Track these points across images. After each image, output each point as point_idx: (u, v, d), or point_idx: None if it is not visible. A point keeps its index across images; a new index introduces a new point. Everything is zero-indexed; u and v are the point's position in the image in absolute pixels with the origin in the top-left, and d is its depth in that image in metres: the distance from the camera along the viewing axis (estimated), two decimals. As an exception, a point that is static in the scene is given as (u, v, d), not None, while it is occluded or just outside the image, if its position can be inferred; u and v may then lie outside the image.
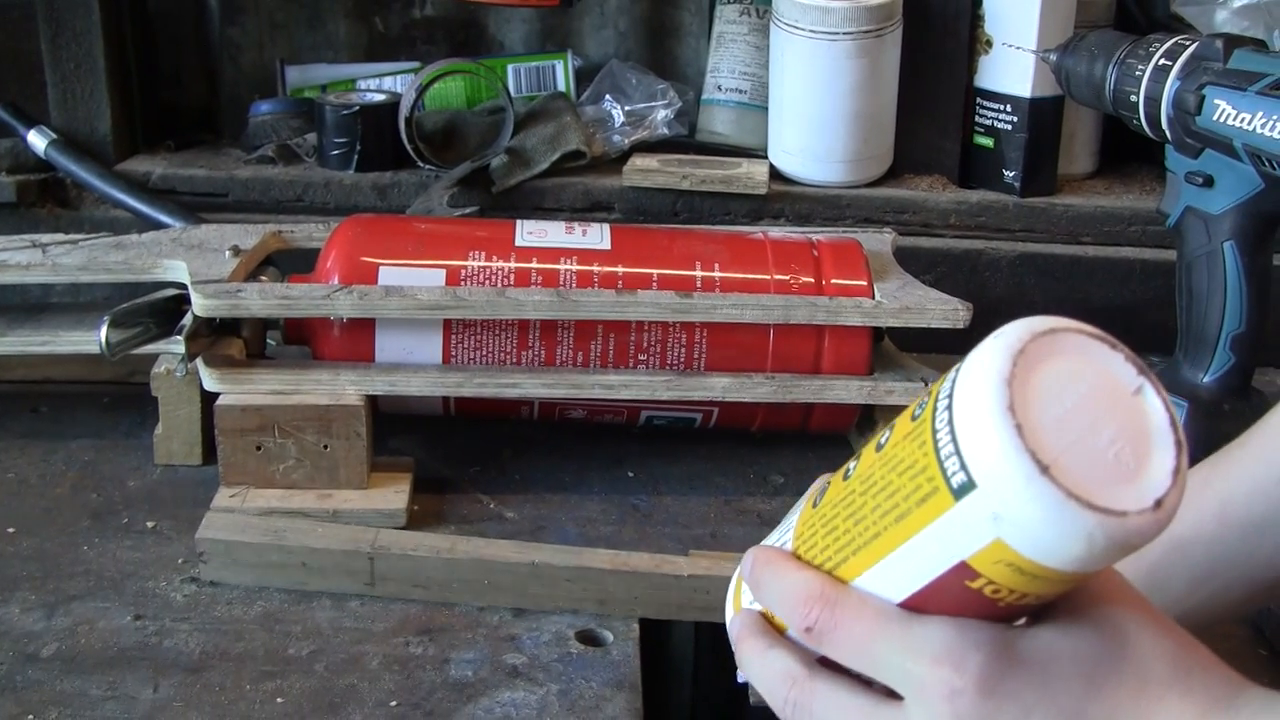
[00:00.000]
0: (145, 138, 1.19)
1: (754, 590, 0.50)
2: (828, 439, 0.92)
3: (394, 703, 0.66)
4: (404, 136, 1.10)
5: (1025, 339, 0.43)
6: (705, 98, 1.21)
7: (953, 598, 0.44)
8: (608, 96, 1.19)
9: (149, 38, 1.22)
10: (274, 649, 0.70)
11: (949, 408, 0.42)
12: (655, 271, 0.86)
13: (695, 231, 0.96)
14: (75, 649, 0.69)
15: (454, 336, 0.84)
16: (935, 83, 1.14)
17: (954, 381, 0.43)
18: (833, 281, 0.87)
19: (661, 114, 1.16)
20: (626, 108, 1.17)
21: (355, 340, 0.84)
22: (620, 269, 0.86)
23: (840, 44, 1.07)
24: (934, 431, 0.43)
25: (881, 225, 1.08)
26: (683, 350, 0.85)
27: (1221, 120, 0.76)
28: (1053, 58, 0.89)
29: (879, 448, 0.46)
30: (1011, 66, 1.10)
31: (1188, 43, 0.80)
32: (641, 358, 0.85)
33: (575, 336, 0.84)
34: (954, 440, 0.41)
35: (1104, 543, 0.40)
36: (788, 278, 0.86)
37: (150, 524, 0.81)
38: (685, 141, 1.18)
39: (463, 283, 0.84)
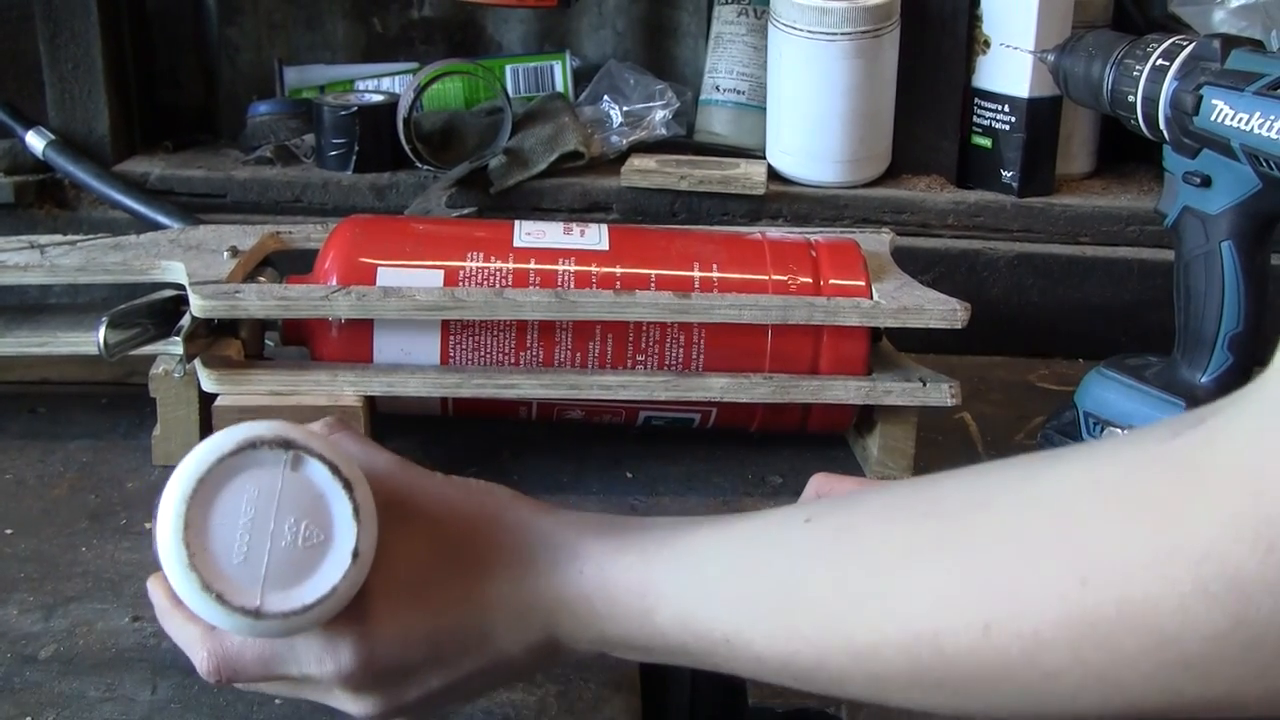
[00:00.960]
0: (143, 138, 1.19)
1: (165, 624, 0.58)
2: (826, 439, 0.92)
3: (392, 704, 0.66)
4: (402, 137, 1.10)
5: (187, 501, 0.49)
6: (703, 98, 1.21)
7: None
8: (606, 97, 1.19)
9: (147, 38, 1.22)
10: (272, 650, 0.70)
11: (158, 555, 0.51)
12: (653, 272, 0.86)
13: (693, 232, 0.96)
14: (73, 650, 0.69)
15: (452, 337, 0.84)
16: (933, 83, 1.14)
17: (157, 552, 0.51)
18: (831, 282, 0.87)
19: (659, 114, 1.16)
20: (624, 108, 1.17)
21: (353, 341, 0.84)
22: (618, 269, 0.86)
23: (838, 44, 1.07)
24: None
25: (879, 225, 1.08)
26: (681, 351, 0.85)
27: (1219, 120, 0.76)
28: (1050, 58, 0.89)
29: None
30: (1009, 67, 1.10)
31: (1185, 43, 0.80)
32: (639, 358, 0.85)
33: (573, 337, 0.84)
34: (165, 574, 0.51)
35: (333, 603, 0.50)
36: (786, 278, 0.86)
37: (149, 525, 0.81)
38: (683, 142, 1.18)
39: (461, 283, 0.84)
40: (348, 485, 0.49)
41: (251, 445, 0.49)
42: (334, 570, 0.49)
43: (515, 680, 0.58)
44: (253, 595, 0.48)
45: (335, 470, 0.49)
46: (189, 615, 0.54)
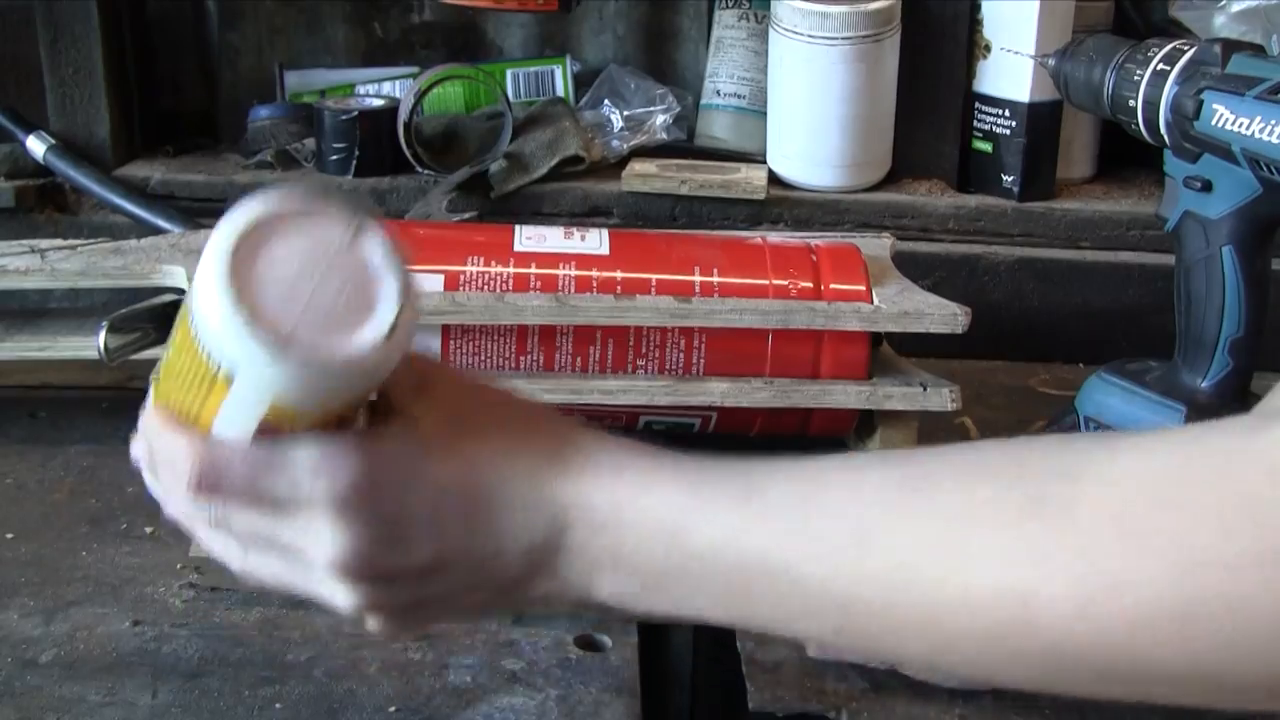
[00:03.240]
0: (144, 143, 1.19)
1: (148, 470, 0.55)
2: (827, 443, 0.92)
3: (393, 708, 0.66)
4: (402, 141, 1.10)
5: (239, 235, 0.48)
6: (704, 103, 1.21)
7: (278, 433, 0.50)
8: (606, 101, 1.19)
9: (148, 43, 1.22)
10: (272, 655, 0.70)
11: (194, 321, 0.48)
12: (654, 276, 0.86)
13: (694, 236, 0.96)
14: (74, 655, 0.69)
15: (452, 341, 0.84)
16: (934, 87, 1.14)
17: (191, 291, 0.48)
18: (831, 286, 0.87)
19: (660, 119, 1.16)
20: (625, 112, 1.17)
21: (354, 345, 0.84)
22: (619, 274, 0.86)
23: (839, 49, 1.07)
24: (195, 338, 0.48)
25: (880, 230, 1.08)
26: (681, 355, 0.85)
27: (1220, 125, 0.76)
28: (1051, 62, 0.89)
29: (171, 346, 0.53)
30: (1010, 71, 1.10)
31: (1186, 47, 0.80)
32: (640, 363, 0.85)
33: (574, 341, 0.84)
34: (205, 346, 0.48)
35: (358, 376, 0.48)
36: (786, 283, 0.86)
37: (149, 529, 0.81)
38: (684, 146, 1.18)
39: (461, 288, 0.84)
40: (400, 269, 0.49)
41: (323, 206, 0.49)
42: (367, 336, 0.48)
43: (498, 603, 0.54)
44: (286, 325, 0.46)
45: (393, 252, 0.49)
46: (181, 429, 0.51)
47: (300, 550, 0.51)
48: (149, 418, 0.54)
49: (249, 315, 0.46)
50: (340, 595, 0.51)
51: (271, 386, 0.48)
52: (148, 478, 0.55)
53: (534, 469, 0.50)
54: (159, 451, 0.53)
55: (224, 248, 0.47)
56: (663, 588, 0.49)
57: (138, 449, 0.55)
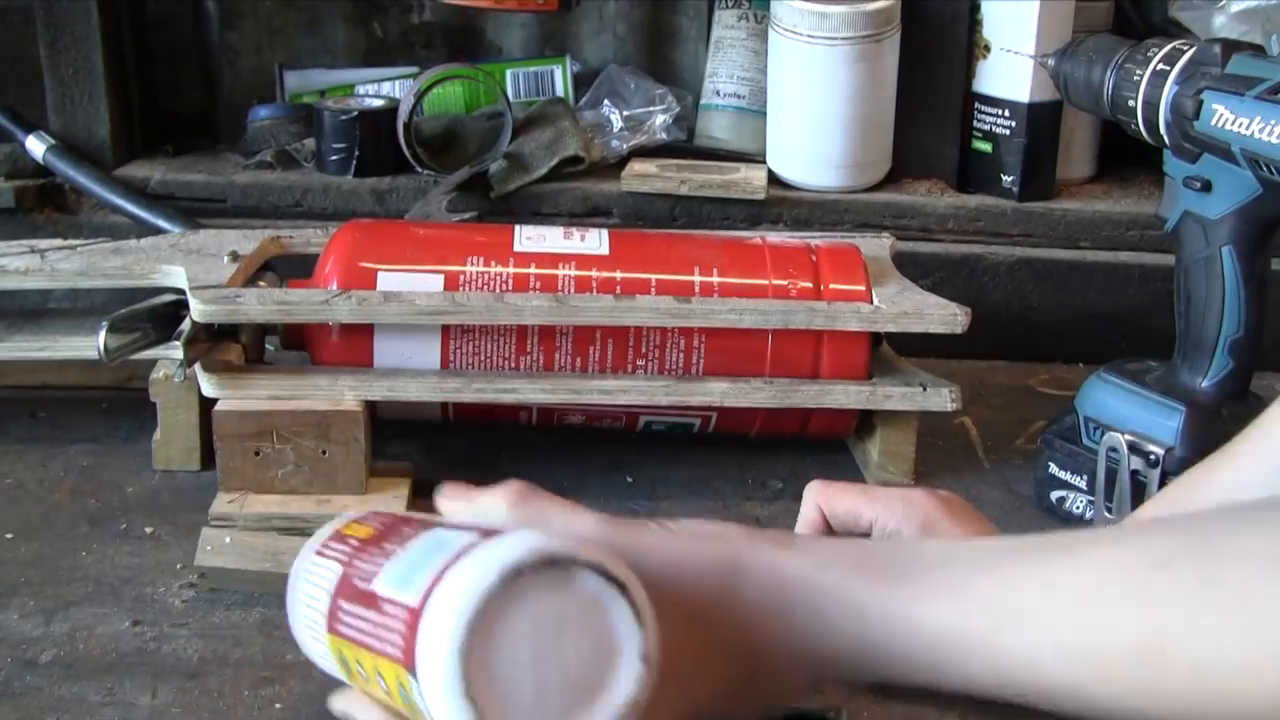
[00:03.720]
0: (144, 143, 1.19)
1: None
2: (826, 443, 0.92)
3: None
4: (402, 141, 1.10)
5: (462, 650, 0.43)
6: (704, 103, 1.21)
7: None
8: (606, 101, 1.19)
9: (148, 43, 1.22)
10: (272, 654, 0.70)
11: (428, 711, 0.44)
12: (653, 276, 0.86)
13: (693, 236, 0.96)
14: (74, 654, 0.69)
15: (452, 342, 0.84)
16: (933, 87, 1.14)
17: (419, 685, 0.44)
18: (831, 286, 0.87)
19: (660, 119, 1.16)
20: (625, 112, 1.17)
21: (354, 345, 0.84)
22: (618, 274, 0.86)
23: (838, 49, 1.07)
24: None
25: (880, 230, 1.08)
26: (681, 355, 0.85)
27: (1219, 125, 0.76)
28: (1051, 63, 0.89)
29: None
30: (1010, 71, 1.10)
31: (1185, 48, 0.80)
32: (640, 363, 0.85)
33: (574, 341, 0.84)
34: None
35: None
36: (786, 283, 0.86)
37: (149, 529, 0.81)
38: (684, 146, 1.18)
39: (461, 288, 0.84)
40: (623, 588, 0.45)
41: (517, 572, 0.43)
42: (628, 681, 0.45)
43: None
44: None
45: (608, 575, 0.45)
46: None
47: None
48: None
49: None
50: None
51: None
52: None
53: (775, 639, 0.50)
54: None
55: (455, 686, 0.43)
56: (935, 686, 0.50)
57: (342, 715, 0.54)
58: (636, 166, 1.12)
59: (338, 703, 0.54)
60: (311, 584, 0.55)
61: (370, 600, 0.48)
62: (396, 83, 1.22)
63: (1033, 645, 0.47)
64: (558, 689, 0.44)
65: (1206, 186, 0.81)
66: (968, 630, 0.47)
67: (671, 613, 0.47)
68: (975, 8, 1.11)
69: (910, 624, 0.48)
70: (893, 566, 0.50)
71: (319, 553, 0.55)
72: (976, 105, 1.13)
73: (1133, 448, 0.81)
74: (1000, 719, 0.65)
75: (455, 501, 0.54)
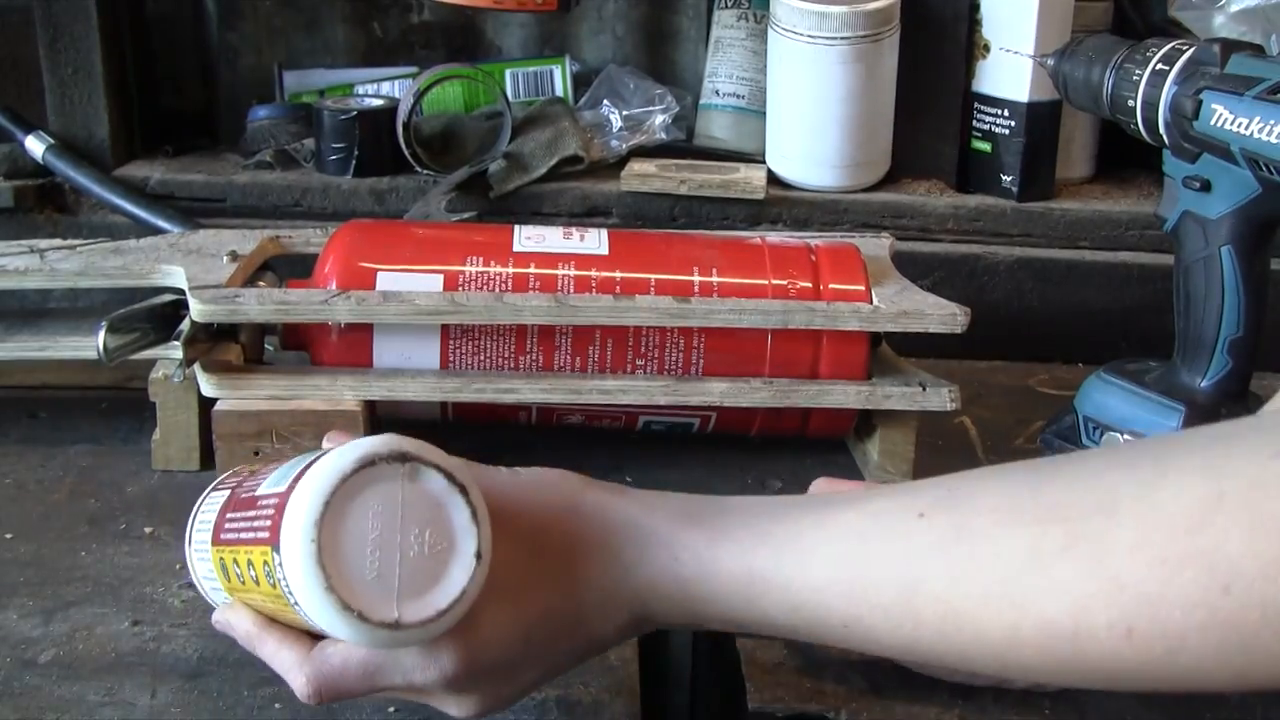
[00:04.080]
0: (143, 143, 1.19)
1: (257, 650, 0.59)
2: (826, 443, 0.92)
3: (392, 708, 0.66)
4: (402, 141, 1.10)
5: (317, 521, 0.49)
6: (703, 103, 1.21)
7: None
8: (605, 101, 1.19)
9: (147, 43, 1.22)
10: (272, 655, 0.70)
11: (285, 580, 0.51)
12: (653, 276, 0.86)
13: (693, 236, 0.96)
14: (73, 655, 0.68)
15: (452, 342, 0.84)
16: (933, 87, 1.14)
17: (280, 555, 0.50)
18: (830, 286, 0.87)
19: (659, 119, 1.16)
20: (624, 112, 1.18)
21: (353, 345, 0.84)
22: (618, 274, 0.86)
23: (838, 49, 1.07)
24: (285, 596, 0.52)
25: (879, 230, 1.08)
26: (680, 355, 0.85)
27: (1219, 125, 0.76)
28: (1050, 62, 0.89)
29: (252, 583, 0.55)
30: (1009, 71, 1.10)
31: (1185, 47, 0.80)
32: (639, 363, 0.85)
33: (573, 342, 0.84)
34: (299, 610, 0.51)
35: (410, 644, 0.52)
36: (785, 283, 0.86)
37: (148, 529, 0.81)
38: (683, 146, 1.18)
39: (461, 288, 0.84)
40: (463, 490, 0.51)
41: (370, 462, 0.50)
42: (461, 573, 0.51)
43: (604, 651, 0.60)
44: (390, 608, 0.50)
45: (450, 477, 0.51)
46: (282, 639, 0.56)
47: (420, 700, 0.57)
48: (242, 620, 0.59)
49: (358, 615, 0.49)
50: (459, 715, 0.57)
51: (392, 644, 0.52)
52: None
53: (600, 572, 0.56)
54: (264, 656, 0.58)
55: (309, 550, 0.49)
56: (756, 630, 0.56)
57: (222, 624, 0.61)
58: (636, 166, 1.12)
59: (217, 615, 0.61)
60: (205, 511, 0.62)
61: (250, 503, 0.55)
62: (396, 83, 1.22)
63: (818, 582, 0.53)
64: (397, 571, 0.50)
65: (1206, 186, 0.81)
66: (764, 570, 0.54)
67: (510, 534, 0.54)
68: (975, 8, 1.11)
69: (714, 564, 0.55)
70: (704, 514, 0.57)
71: (214, 488, 0.63)
72: (976, 105, 1.13)
73: (1132, 448, 0.81)
74: (1000, 719, 0.65)
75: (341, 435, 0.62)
